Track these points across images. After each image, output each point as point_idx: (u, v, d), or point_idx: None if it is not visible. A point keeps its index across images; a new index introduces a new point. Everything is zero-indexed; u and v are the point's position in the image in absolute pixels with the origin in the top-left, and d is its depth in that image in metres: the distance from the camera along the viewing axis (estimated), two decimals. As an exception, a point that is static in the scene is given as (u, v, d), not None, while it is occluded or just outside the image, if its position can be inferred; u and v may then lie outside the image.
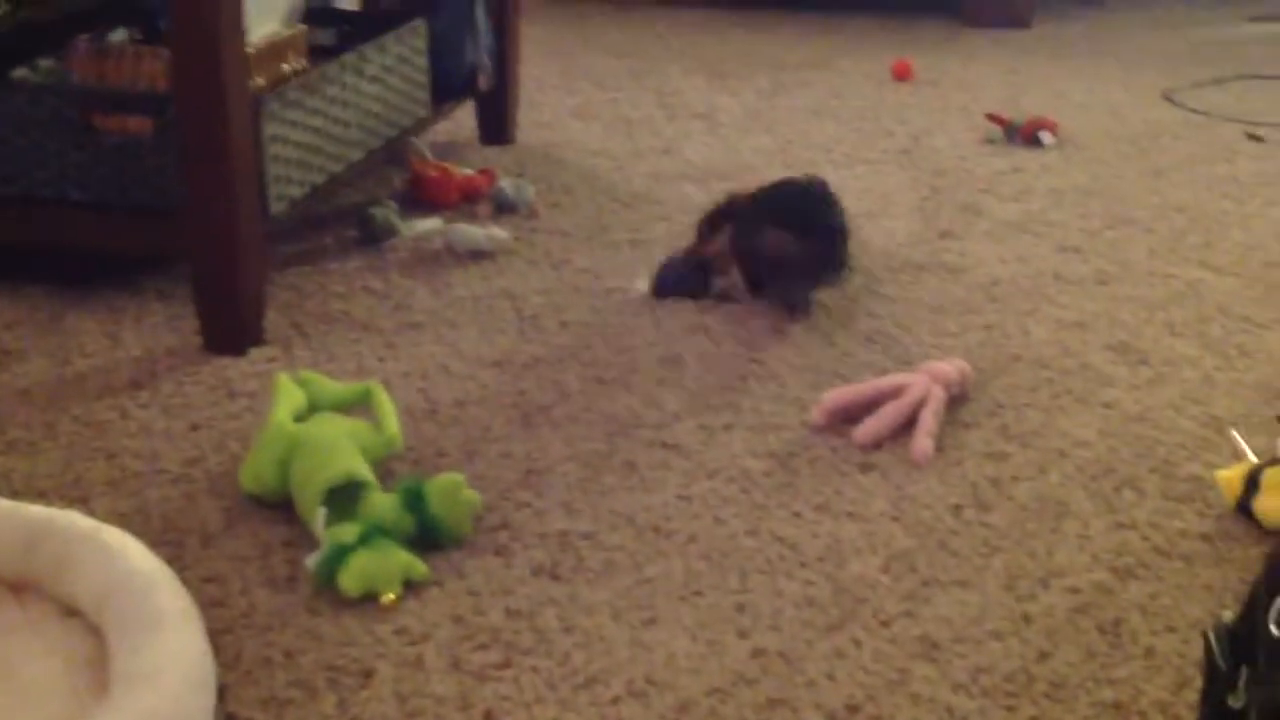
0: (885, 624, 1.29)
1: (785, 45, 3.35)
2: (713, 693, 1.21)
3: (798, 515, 1.46)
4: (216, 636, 1.26)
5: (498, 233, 2.10)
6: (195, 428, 1.62)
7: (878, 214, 2.25)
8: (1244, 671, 0.98)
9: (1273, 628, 0.94)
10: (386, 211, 2.13)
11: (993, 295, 1.95)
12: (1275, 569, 1.00)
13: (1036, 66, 3.15)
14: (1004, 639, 1.27)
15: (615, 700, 1.20)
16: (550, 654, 1.26)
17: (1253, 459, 1.47)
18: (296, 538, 1.41)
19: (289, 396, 1.49)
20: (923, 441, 1.55)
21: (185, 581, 1.30)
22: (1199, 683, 1.11)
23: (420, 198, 2.25)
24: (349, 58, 2.00)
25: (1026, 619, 1.30)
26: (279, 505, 1.44)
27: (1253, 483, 1.41)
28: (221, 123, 1.65)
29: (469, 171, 2.31)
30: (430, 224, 2.13)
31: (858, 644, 1.27)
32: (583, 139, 2.63)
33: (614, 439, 1.60)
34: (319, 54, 2.03)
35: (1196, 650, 1.17)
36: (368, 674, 1.23)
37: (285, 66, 1.90)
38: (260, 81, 1.83)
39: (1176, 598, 1.32)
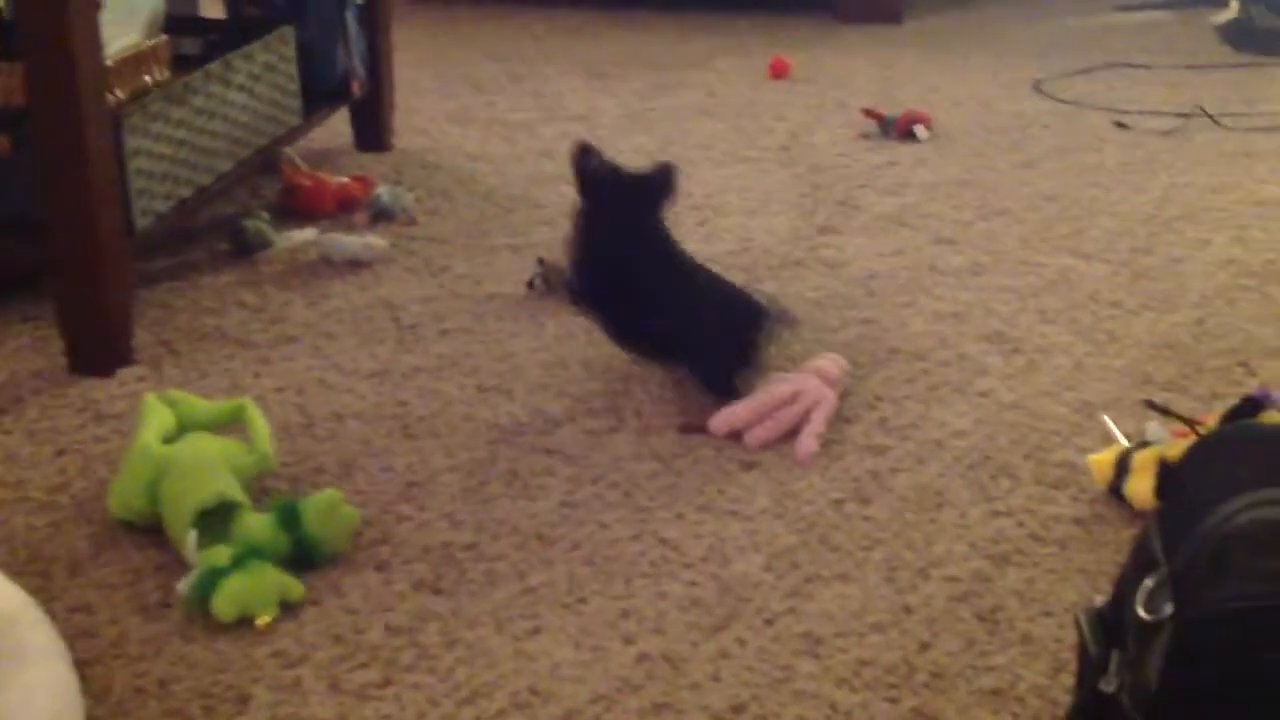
0: (769, 622, 1.30)
1: (663, 45, 3.35)
2: (597, 700, 1.20)
3: (681, 516, 1.46)
4: (85, 668, 1.23)
5: (375, 241, 2.07)
6: (61, 452, 1.57)
7: (757, 211, 2.25)
8: (1115, 655, 1.00)
9: (1141, 611, 0.96)
10: (259, 223, 2.09)
11: (870, 289, 1.97)
12: (1141, 553, 1.02)
13: (910, 61, 3.18)
14: (885, 631, 1.28)
15: (499, 713, 1.19)
16: (433, 670, 1.24)
17: (1123, 443, 1.50)
18: (168, 562, 1.37)
19: (156, 417, 1.45)
20: (808, 442, 1.56)
21: (52, 612, 1.27)
22: (1075, 667, 1.13)
23: (294, 208, 2.21)
24: (214, 67, 1.96)
25: (907, 610, 1.31)
26: (149, 530, 1.40)
27: (1123, 466, 1.43)
28: (79, 138, 1.61)
29: (344, 179, 2.28)
30: (305, 234, 2.09)
31: (742, 643, 1.27)
32: (460, 143, 2.60)
33: (496, 447, 1.58)
34: (183, 64, 1.99)
35: (1072, 634, 1.18)
36: (244, 699, 1.20)
37: (147, 78, 1.85)
38: (120, 94, 1.79)
39: (1052, 583, 1.34)
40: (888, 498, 1.48)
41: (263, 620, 1.28)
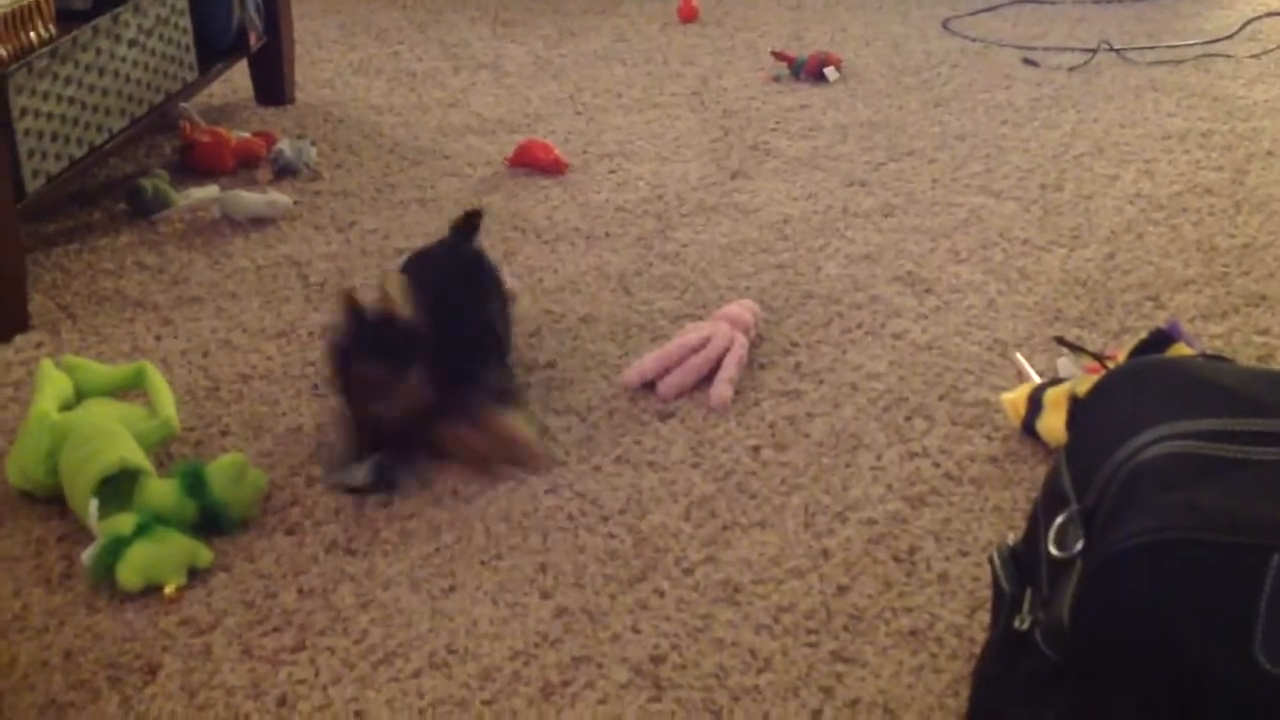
0: (687, 572, 1.29)
1: (571, -10, 3.30)
2: (516, 656, 1.19)
3: (598, 469, 1.44)
4: (-14, 645, 1.19)
5: (278, 197, 2.02)
6: (-44, 423, 1.52)
7: (669, 158, 2.23)
8: (1028, 593, 1.00)
9: (1052, 548, 0.96)
10: (157, 181, 2.03)
11: (784, 234, 1.96)
12: (1051, 490, 1.02)
13: (818, 2, 3.17)
14: (804, 576, 1.28)
15: (416, 673, 1.17)
16: (347, 632, 1.22)
17: (1035, 379, 1.51)
18: (71, 532, 1.33)
19: (53, 384, 1.41)
20: (722, 389, 1.55)
21: (-51, 589, 1.23)
22: (991, 605, 1.13)
23: (194, 165, 2.15)
24: (103, 22, 1.90)
25: (825, 554, 1.31)
26: (50, 499, 1.37)
27: (1036, 403, 1.44)
28: (-40, 97, 1.55)
29: (245, 135, 2.22)
30: (206, 192, 2.04)
31: (660, 594, 1.26)
32: (365, 95, 2.55)
33: (408, 404, 1.56)
34: (70, 19, 1.92)
35: (988, 573, 1.19)
36: (153, 669, 1.17)
37: (32, 35, 1.78)
38: (3, 53, 1.72)
39: (968, 522, 1.34)
40: (804, 443, 1.48)
41: (170, 588, 1.25)
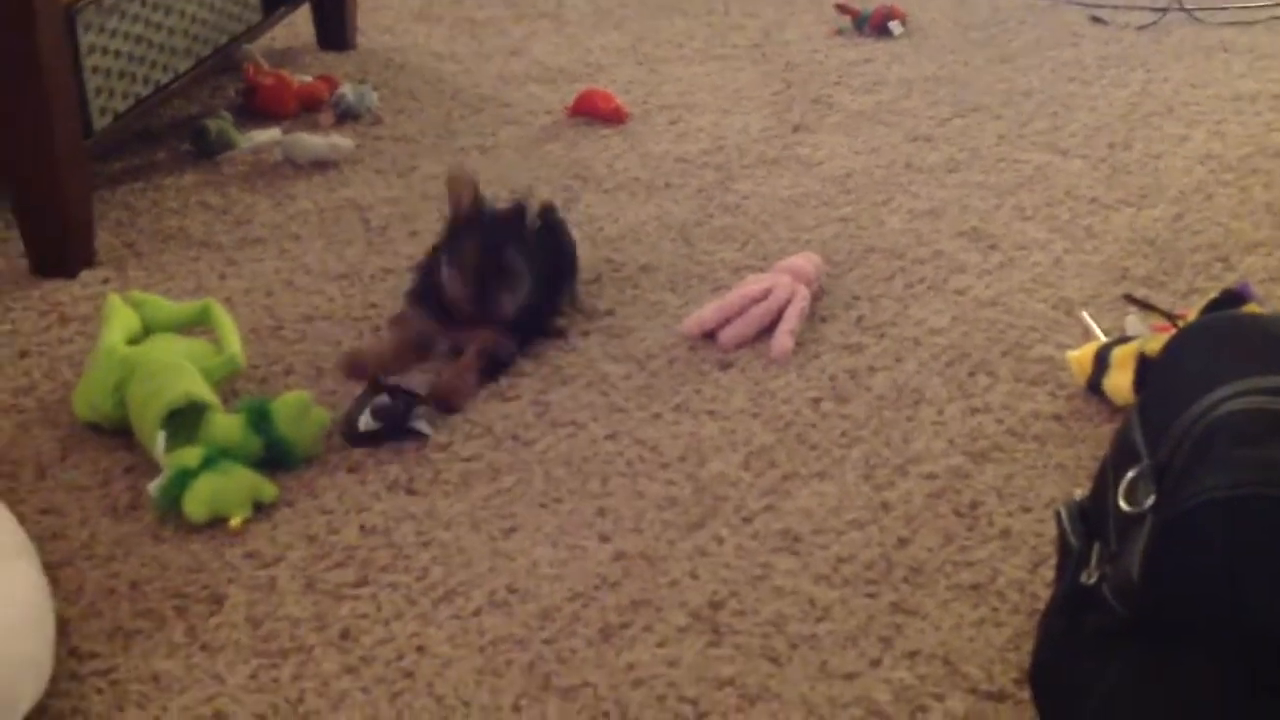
0: (747, 520, 1.29)
1: (633, -59, 3.27)
2: (575, 597, 1.20)
3: (657, 416, 1.44)
4: (55, 570, 1.21)
5: (340, 141, 2.02)
6: (25, 355, 1.54)
7: (730, 109, 2.22)
8: (1095, 548, 0.99)
9: (1122, 503, 0.95)
10: (221, 123, 2.03)
11: (846, 188, 1.94)
12: (1122, 446, 1.01)
13: (884, -44, 3.12)
14: (864, 528, 1.27)
15: (476, 612, 1.18)
16: (408, 569, 1.23)
17: (1101, 338, 1.49)
18: (137, 464, 1.35)
19: (121, 318, 1.42)
20: (783, 340, 1.54)
21: (20, 515, 1.25)
22: (1054, 561, 1.12)
23: (257, 108, 2.15)
24: (171, -39, 1.90)
25: (885, 507, 1.30)
26: (117, 432, 1.38)
27: (1102, 361, 1.42)
28: (31, 35, 1.56)
29: (308, 79, 2.22)
30: (268, 135, 2.04)
31: (719, 541, 1.26)
32: (426, 42, 2.54)
33: (468, 348, 1.56)
34: (139, -43, 1.92)
35: (1051, 529, 1.18)
36: (218, 600, 1.19)
37: (102, -29, 1.79)
38: (75, -12, 1.73)
39: (1031, 478, 1.34)
40: (865, 396, 1.47)
41: (235, 521, 1.26)
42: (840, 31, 2.57)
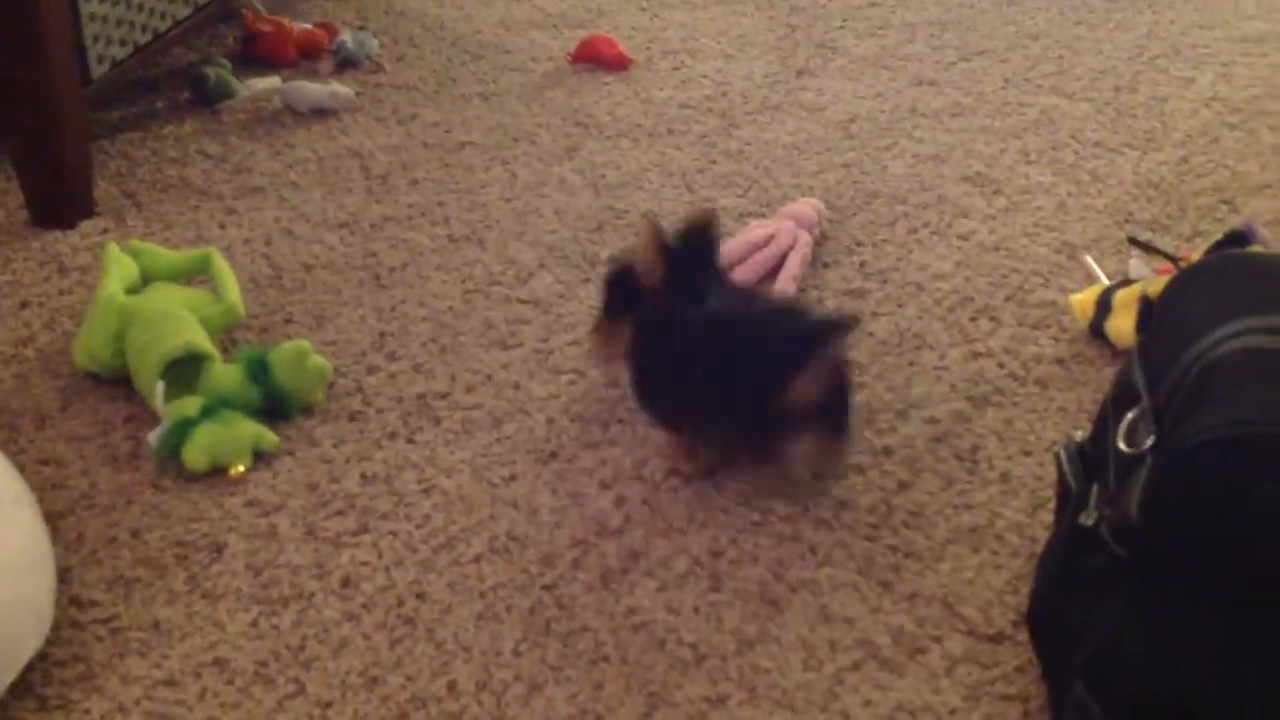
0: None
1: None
2: (576, 544, 1.20)
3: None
4: (56, 519, 1.22)
5: (340, 89, 2.01)
6: (25, 305, 1.54)
7: (734, 55, 2.20)
8: (1094, 489, 0.99)
9: (1121, 444, 0.95)
10: (221, 71, 2.02)
11: (850, 133, 1.93)
12: (1122, 387, 1.01)
13: (890, -101, 3.08)
14: (864, 472, 1.27)
15: (477, 559, 1.18)
16: (409, 517, 1.23)
17: (1104, 281, 1.48)
18: (137, 413, 1.35)
19: (120, 267, 1.41)
20: (785, 285, 1.53)
21: (20, 465, 1.25)
22: (1054, 504, 1.12)
23: (256, 56, 2.14)
24: (167, -93, 1.88)
25: (886, 451, 1.30)
26: (117, 381, 1.38)
27: (1105, 304, 1.42)
28: (27, -20, 1.55)
29: (307, 26, 2.20)
30: (268, 82, 2.03)
31: (720, 488, 1.26)
32: (428, -11, 2.52)
33: (470, 297, 1.56)
34: (134, -96, 1.90)
35: (1051, 472, 1.18)
36: (218, 548, 1.19)
37: (97, -82, 1.77)
38: (69, -65, 1.71)
39: (1031, 422, 1.33)
40: (867, 341, 1.46)
41: (236, 470, 1.26)
42: (844, -25, 2.54)
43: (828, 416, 1.19)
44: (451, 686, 1.06)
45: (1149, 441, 0.92)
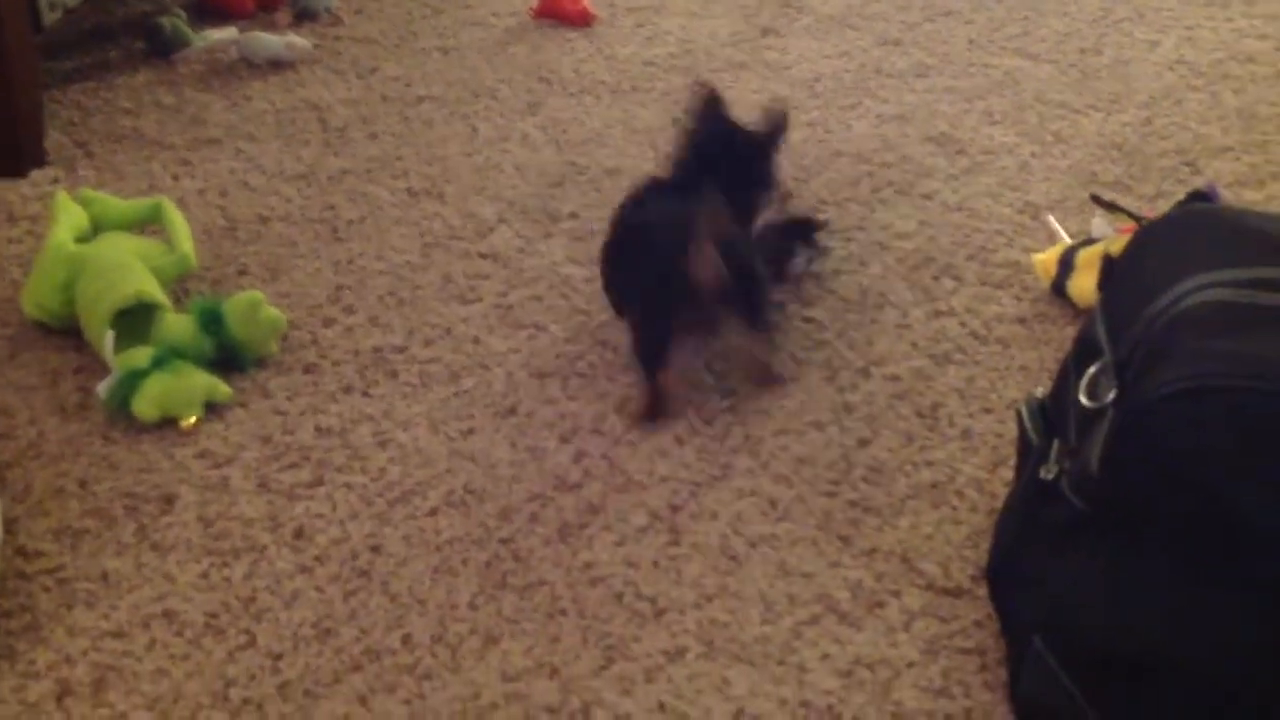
0: (708, 422, 1.28)
1: None
2: (534, 498, 1.18)
3: (619, 320, 1.42)
4: (3, 470, 1.20)
5: (298, 41, 1.98)
6: (-28, 255, 1.51)
7: (699, 13, 2.18)
8: (1055, 444, 0.99)
9: (1083, 398, 0.94)
10: (176, 21, 1.98)
11: (815, 91, 1.91)
12: (1084, 343, 1.00)
13: None
14: (824, 429, 1.26)
15: (433, 512, 1.17)
16: (364, 470, 1.22)
17: (1066, 240, 1.47)
18: (87, 364, 1.33)
19: (69, 216, 1.39)
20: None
21: (-34, 416, 1.22)
22: (1014, 461, 1.12)
23: (212, 6, 2.10)
24: None
25: (847, 408, 1.29)
26: (66, 331, 1.36)
27: (1067, 264, 1.41)
28: (-26, -80, 1.51)
29: (265, -23, 2.17)
30: (224, 33, 2.00)
31: (680, 442, 1.25)
32: (389, -57, 2.49)
33: (429, 251, 1.54)
34: None
35: (1012, 429, 1.17)
36: (169, 499, 1.17)
37: None
38: (19, -124, 1.67)
39: (993, 380, 1.33)
40: (830, 299, 1.45)
41: (187, 421, 1.24)
42: (811, -66, 2.52)
43: (743, 305, 1.27)
44: (406, 639, 1.05)
45: (1111, 395, 0.91)
